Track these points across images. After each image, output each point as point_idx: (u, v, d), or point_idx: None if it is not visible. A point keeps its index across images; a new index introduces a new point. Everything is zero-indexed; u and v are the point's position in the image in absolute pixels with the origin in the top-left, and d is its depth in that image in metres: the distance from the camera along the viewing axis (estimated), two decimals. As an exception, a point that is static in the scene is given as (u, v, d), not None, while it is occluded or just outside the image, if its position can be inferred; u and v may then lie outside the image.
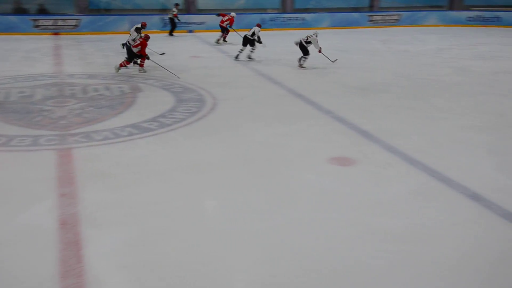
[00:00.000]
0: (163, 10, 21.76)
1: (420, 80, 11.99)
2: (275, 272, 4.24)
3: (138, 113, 8.86)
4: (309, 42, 12.99)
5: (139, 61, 12.56)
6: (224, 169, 6.47)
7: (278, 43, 18.28)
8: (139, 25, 13.36)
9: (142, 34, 12.38)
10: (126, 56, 12.59)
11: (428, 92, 10.78)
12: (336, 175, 6.31)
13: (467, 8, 24.83)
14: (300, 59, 13.32)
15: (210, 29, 20.78)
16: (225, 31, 18.22)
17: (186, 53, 15.54)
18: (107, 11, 21.45)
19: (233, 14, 18.43)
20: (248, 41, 14.33)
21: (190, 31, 21.14)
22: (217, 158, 6.82)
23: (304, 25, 21.43)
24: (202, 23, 21.24)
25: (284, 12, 22.55)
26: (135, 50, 12.15)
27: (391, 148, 7.24)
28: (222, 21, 18.24)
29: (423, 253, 4.56)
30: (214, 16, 20.67)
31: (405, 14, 23.71)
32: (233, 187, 5.94)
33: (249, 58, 14.52)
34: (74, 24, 20.53)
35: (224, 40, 18.40)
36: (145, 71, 12.33)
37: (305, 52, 13.13)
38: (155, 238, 4.73)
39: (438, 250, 4.63)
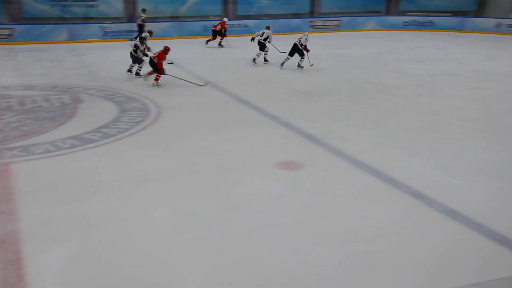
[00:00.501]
0: (103, 18, 21.33)
1: (362, 84, 12.33)
2: (227, 279, 4.24)
3: (80, 124, 8.63)
4: (302, 44, 13.80)
5: (137, 68, 12.78)
6: (171, 178, 6.40)
7: (221, 50, 18.34)
8: (144, 34, 13.70)
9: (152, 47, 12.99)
10: (131, 63, 12.92)
11: (370, 95, 11.11)
12: (284, 180, 6.38)
13: (403, 13, 25.83)
14: (298, 62, 14.09)
15: (152, 37, 20.57)
16: (216, 35, 18.83)
17: (128, 63, 15.25)
18: (43, 20, 20.77)
19: (225, 19, 19.23)
20: (262, 44, 15.02)
21: (131, 40, 20.85)
22: (164, 167, 6.74)
23: (247, 31, 21.60)
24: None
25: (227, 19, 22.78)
26: (155, 60, 11.82)
27: (337, 151, 7.40)
28: (215, 26, 18.88)
29: (371, 252, 4.68)
30: (156, 23, 20.51)
31: (344, 19, 24.39)
32: (182, 195, 5.89)
33: (265, 60, 15.17)
34: (7, 33, 19.76)
35: (219, 44, 18.95)
36: (158, 85, 11.81)
37: (301, 53, 13.91)
38: (102, 252, 4.61)
39: (384, 248, 4.77)
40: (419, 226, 5.18)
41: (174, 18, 22.06)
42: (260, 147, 7.60)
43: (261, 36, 15.07)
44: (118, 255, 4.56)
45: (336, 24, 24.13)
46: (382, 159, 7.08)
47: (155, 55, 11.90)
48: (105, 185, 6.12)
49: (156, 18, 21.51)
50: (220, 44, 19.02)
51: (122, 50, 17.73)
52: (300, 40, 13.82)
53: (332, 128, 8.58)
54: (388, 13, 26.36)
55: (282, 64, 14.23)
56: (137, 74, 12.97)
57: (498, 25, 23.27)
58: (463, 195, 5.94)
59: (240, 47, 18.53)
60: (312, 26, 23.74)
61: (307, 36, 13.96)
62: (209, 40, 19.11)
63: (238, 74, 13.36)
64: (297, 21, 23.77)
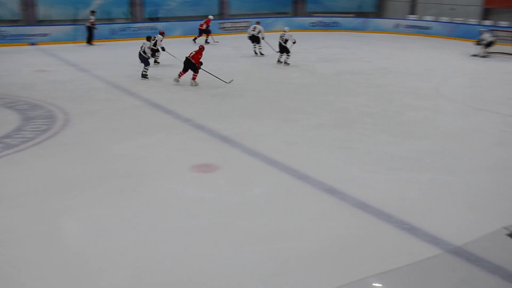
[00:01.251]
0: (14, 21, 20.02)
1: (274, 84, 12.59)
2: (148, 285, 4.17)
3: (-22, 135, 8.08)
4: (287, 40, 14.78)
5: (143, 70, 12.89)
6: (83, 187, 6.16)
7: (130, 53, 17.87)
8: (158, 37, 14.29)
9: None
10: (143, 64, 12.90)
11: (281, 95, 11.37)
12: (200, 182, 6.37)
13: (309, 14, 26.70)
14: (284, 59, 15.07)
15: (55, 40, 19.65)
16: (203, 32, 20.22)
17: (29, 68, 14.47)
18: None
19: (210, 17, 20.57)
20: (255, 38, 16.82)
21: (32, 44, 19.78)
22: (75, 177, 6.47)
23: (156, 34, 21.30)
24: (45, 34, 19.97)
25: (135, 21, 22.19)
26: (193, 60, 12.06)
27: (251, 151, 7.51)
28: (201, 24, 20.26)
29: (288, 249, 4.80)
30: (58, 27, 19.61)
31: (254, 21, 24.77)
32: (95, 205, 5.70)
33: (261, 53, 16.86)
34: None
35: (206, 41, 19.92)
36: (197, 84, 12.20)
37: (286, 50, 14.92)
38: (10, 269, 4.35)
39: (301, 244, 4.91)
40: (333, 221, 5.39)
41: (76, 21, 21.17)
42: (174, 151, 7.53)
43: (253, 30, 16.91)
44: (28, 272, 4.32)
45: (246, 25, 24.38)
46: (296, 157, 7.28)
47: (192, 55, 12.11)
48: (9, 199, 5.77)
49: (57, 21, 20.57)
50: (206, 41, 19.92)
51: (20, 55, 16.81)
52: (283, 37, 14.86)
53: (246, 129, 8.68)
54: (295, 14, 27.08)
55: (278, 62, 15.28)
56: (143, 76, 13.01)
57: (397, 26, 24.72)
58: (373, 188, 6.26)
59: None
60: (221, 28, 23.83)
61: (287, 29, 15.24)
62: (195, 38, 20.16)
63: (149, 79, 13.12)
64: (206, 23, 23.84)
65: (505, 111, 10.10)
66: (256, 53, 17.14)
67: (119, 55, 17.08)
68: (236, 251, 4.73)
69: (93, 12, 19.74)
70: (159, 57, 14.98)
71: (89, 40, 19.52)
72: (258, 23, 17.51)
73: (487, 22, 21.80)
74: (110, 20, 21.90)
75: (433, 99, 11.26)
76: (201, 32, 20.44)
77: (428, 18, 24.37)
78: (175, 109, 9.85)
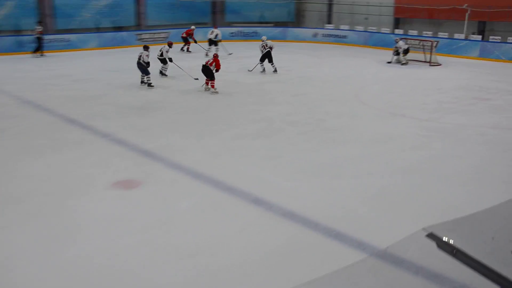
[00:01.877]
0: None
1: (195, 94, 12.55)
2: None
3: None
4: (270, 47, 15.65)
5: (146, 78, 13.33)
6: (-8, 212, 5.78)
7: (40, 67, 17.11)
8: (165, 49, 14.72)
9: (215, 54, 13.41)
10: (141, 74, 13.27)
11: (203, 106, 11.35)
12: (123, 200, 6.18)
13: (229, 24, 26.89)
14: (275, 68, 15.96)
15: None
16: (186, 40, 20.96)
17: None
18: None
19: (193, 27, 21.32)
20: (213, 42, 18.94)
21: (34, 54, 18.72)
22: (-19, 201, 6.05)
23: (70, 46, 20.48)
24: None
25: (45, 33, 21.29)
26: (212, 68, 12.58)
27: (175, 164, 7.40)
28: (182, 34, 21.12)
29: (216, 263, 4.75)
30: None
31: (173, 31, 24.51)
32: (7, 228, 5.35)
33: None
34: None
35: (187, 50, 21.06)
36: (216, 91, 12.69)
37: (271, 59, 15.76)
38: None
39: (229, 257, 4.88)
40: (261, 231, 5.41)
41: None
42: (93, 168, 7.25)
43: (211, 34, 18.95)
44: None
45: (165, 36, 24.13)
46: (220, 168, 7.25)
47: (209, 62, 12.62)
48: None
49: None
50: (187, 50, 21.10)
51: None
52: (265, 47, 15.65)
53: (168, 142, 8.56)
54: (214, 24, 27.23)
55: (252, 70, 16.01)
56: (149, 85, 13.36)
57: (315, 35, 25.51)
58: (299, 196, 6.36)
59: (66, 62, 17.52)
60: (139, 39, 23.42)
61: (266, 38, 16.14)
62: (184, 46, 21.27)
63: (63, 92, 12.60)
64: (123, 34, 23.24)
65: (420, 116, 10.66)
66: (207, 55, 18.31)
67: (28, 69, 16.27)
68: (163, 270, 4.61)
69: (40, 23, 19.50)
70: (167, 70, 15.10)
71: (37, 50, 18.83)
72: (215, 27, 20.12)
73: (399, 31, 23.02)
74: (18, 32, 20.83)
75: (353, 105, 11.67)
76: (185, 40, 21.29)
77: (344, 27, 25.34)
78: (93, 125, 9.52)
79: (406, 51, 18.31)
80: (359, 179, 6.97)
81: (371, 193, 6.50)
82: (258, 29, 26.19)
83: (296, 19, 28.33)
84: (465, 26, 20.77)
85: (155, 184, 6.67)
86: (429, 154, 8.16)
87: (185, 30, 21.44)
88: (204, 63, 12.72)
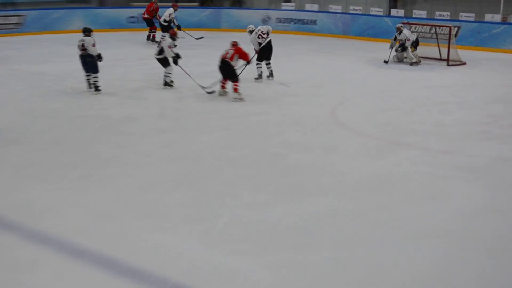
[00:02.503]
0: None
1: (71, 119, 12.47)
2: None
3: None
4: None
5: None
6: None
7: None
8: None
9: None
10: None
11: (86, 136, 11.19)
12: None
13: (128, 4, 27.29)
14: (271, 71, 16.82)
15: None
16: (151, 23, 23.16)
17: None
18: None
19: None
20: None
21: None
22: None
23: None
24: None
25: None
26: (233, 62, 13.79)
27: (38, 236, 7.10)
28: (144, 13, 23.20)
29: None
30: None
31: (30, 14, 24.76)
32: None
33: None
34: None
35: (153, 39, 23.07)
36: (241, 98, 13.82)
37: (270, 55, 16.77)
38: None
39: None
40: None
41: None
42: None
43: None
44: None
45: (18, 21, 24.11)
46: (115, 239, 7.04)
47: (228, 54, 13.77)
48: None
49: None
50: (153, 39, 23.03)
51: None
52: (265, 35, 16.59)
53: (27, 199, 8.32)
54: (101, 4, 27.71)
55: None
56: (96, 88, 14.51)
57: (266, 20, 26.07)
58: (248, 280, 6.25)
59: None
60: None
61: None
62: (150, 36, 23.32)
63: None
64: None
65: (435, 145, 10.87)
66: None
67: None
68: None
69: None
70: (171, 75, 15.75)
71: None
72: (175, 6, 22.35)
73: (398, 12, 23.72)
74: None
75: (328, 131, 11.83)
76: (149, 23, 23.13)
77: (311, 7, 25.87)
78: None
79: (415, 44, 18.75)
80: (342, 251, 6.96)
81: (358, 271, 6.51)
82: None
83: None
84: (502, 1, 21.58)
85: (2, 271, 6.44)
86: (453, 207, 8.18)
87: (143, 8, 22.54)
88: (222, 57, 13.80)
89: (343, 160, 10.14)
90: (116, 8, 26.70)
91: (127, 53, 20.87)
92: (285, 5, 26.58)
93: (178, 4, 22.75)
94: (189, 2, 27.49)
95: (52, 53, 20.48)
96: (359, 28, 23.92)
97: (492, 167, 9.78)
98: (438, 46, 19.14)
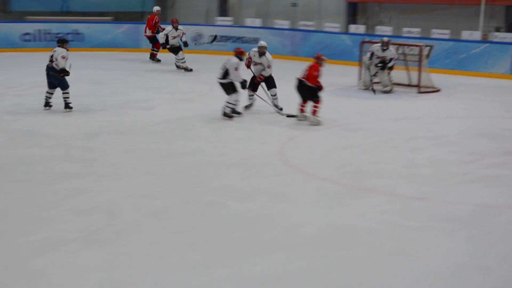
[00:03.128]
0: None
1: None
2: None
3: None
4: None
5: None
6: None
7: None
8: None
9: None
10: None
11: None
12: None
13: (20, 17, 27.14)
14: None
15: None
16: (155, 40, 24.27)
17: None
18: None
19: (156, 8, 24.52)
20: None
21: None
22: None
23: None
24: None
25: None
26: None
27: None
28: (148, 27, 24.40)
29: None
30: None
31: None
32: None
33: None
34: None
35: (155, 58, 24.70)
36: (318, 122, 14.48)
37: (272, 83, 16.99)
38: None
39: None
40: None
41: None
42: None
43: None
44: None
45: None
46: None
47: (305, 74, 14.29)
48: None
49: None
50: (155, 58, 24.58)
51: None
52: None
53: None
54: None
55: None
56: (66, 104, 15.43)
57: (198, 37, 26.33)
58: None
59: None
60: None
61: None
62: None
63: None
64: None
65: (405, 190, 10.94)
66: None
67: None
68: None
69: None
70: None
71: None
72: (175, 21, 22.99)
73: (357, 28, 24.09)
74: None
75: (276, 174, 11.84)
76: (152, 41, 24.33)
77: (252, 21, 26.10)
78: None
79: (389, 65, 18.87)
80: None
81: None
82: (81, 27, 26.48)
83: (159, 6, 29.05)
84: (482, 16, 22.07)
85: None
86: (428, 266, 8.16)
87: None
88: (299, 77, 14.64)
89: (294, 210, 10.11)
90: (6, 22, 26.57)
91: (19, 79, 20.65)
92: (220, 20, 26.76)
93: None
94: (98, 15, 27.51)
95: None
96: (311, 48, 24.11)
97: (475, 216, 9.86)
98: (407, 69, 19.43)
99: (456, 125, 15.48)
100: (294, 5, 25.92)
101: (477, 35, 21.97)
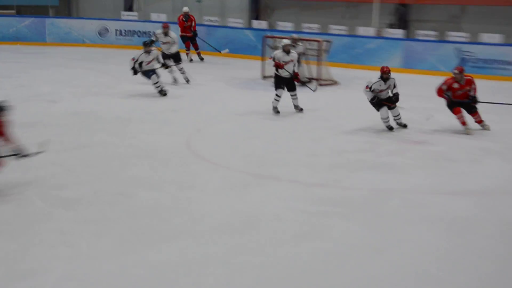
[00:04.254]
0: None
1: None
2: None
3: None
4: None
5: None
6: None
7: None
8: None
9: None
10: None
11: None
12: None
13: None
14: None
15: None
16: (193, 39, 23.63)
17: None
18: None
19: (185, 8, 23.61)
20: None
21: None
22: None
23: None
24: None
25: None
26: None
27: None
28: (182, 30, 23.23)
29: None
30: None
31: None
32: None
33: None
34: None
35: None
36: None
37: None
38: None
39: None
40: None
41: None
42: None
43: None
44: None
45: None
46: None
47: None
48: None
49: None
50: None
51: None
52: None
53: None
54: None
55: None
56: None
57: (104, 32, 26.03)
58: None
59: None
60: None
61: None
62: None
63: None
64: None
65: (306, 178, 11.07)
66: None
67: None
68: None
69: None
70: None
71: None
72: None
73: (260, 23, 24.24)
74: None
75: (183, 164, 11.85)
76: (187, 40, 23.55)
77: (157, 17, 26.10)
78: None
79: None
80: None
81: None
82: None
83: (64, 2, 28.56)
84: (375, 13, 22.42)
85: None
86: (328, 247, 8.34)
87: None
88: None
89: (202, 198, 10.13)
90: None
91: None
92: (126, 15, 26.51)
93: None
94: (3, 9, 26.93)
95: None
96: (215, 42, 24.07)
97: (370, 201, 10.06)
98: (308, 63, 19.58)
99: (353, 116, 15.64)
100: (198, 1, 25.82)
101: (371, 31, 22.29)
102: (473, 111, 14.30)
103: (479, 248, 8.55)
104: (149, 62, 14.91)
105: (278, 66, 15.56)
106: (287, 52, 15.77)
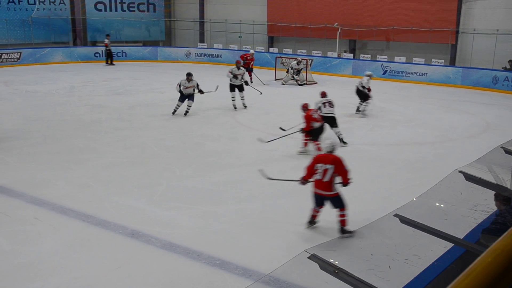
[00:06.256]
0: None
1: (57, 121, 12.01)
2: None
3: None
4: (364, 87, 13.44)
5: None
6: None
7: None
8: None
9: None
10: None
11: (68, 133, 10.89)
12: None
13: (93, 44, 26.16)
14: (358, 106, 13.79)
15: None
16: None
17: None
18: None
19: (251, 51, 19.99)
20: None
21: None
22: None
23: None
24: None
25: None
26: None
27: (37, 200, 7.02)
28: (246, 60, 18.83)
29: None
30: None
31: (25, 51, 23.38)
32: None
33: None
34: None
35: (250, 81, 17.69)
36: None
37: (364, 97, 13.56)
38: None
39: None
40: (139, 267, 5.31)
41: None
42: None
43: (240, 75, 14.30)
44: None
45: (17, 57, 22.92)
46: (90, 201, 7.03)
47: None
48: None
49: None
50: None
51: None
52: (361, 83, 13.55)
53: (27, 175, 8.10)
54: (75, 44, 26.37)
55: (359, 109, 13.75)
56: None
57: (188, 54, 25.79)
58: (179, 226, 6.36)
59: None
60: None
61: (369, 78, 13.75)
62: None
63: None
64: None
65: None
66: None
67: None
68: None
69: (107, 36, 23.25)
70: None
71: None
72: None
73: (273, 50, 24.18)
74: None
75: (231, 127, 11.94)
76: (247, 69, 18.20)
77: (218, 46, 25.91)
78: None
79: (298, 71, 19.14)
80: (241, 204, 7.13)
81: (253, 218, 6.68)
82: (126, 49, 25.83)
83: (167, 37, 28.41)
84: (337, 44, 22.34)
85: (13, 224, 6.27)
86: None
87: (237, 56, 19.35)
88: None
89: (241, 146, 10.32)
90: (85, 47, 25.80)
91: (94, 77, 20.25)
92: (200, 45, 26.43)
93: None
94: (134, 42, 26.79)
95: (41, 78, 19.62)
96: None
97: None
98: (303, 72, 19.73)
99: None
100: (240, 37, 25.66)
101: (335, 54, 22.16)
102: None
103: (391, 174, 8.65)
104: (187, 88, 13.03)
105: (235, 76, 13.95)
106: (238, 68, 14.19)
